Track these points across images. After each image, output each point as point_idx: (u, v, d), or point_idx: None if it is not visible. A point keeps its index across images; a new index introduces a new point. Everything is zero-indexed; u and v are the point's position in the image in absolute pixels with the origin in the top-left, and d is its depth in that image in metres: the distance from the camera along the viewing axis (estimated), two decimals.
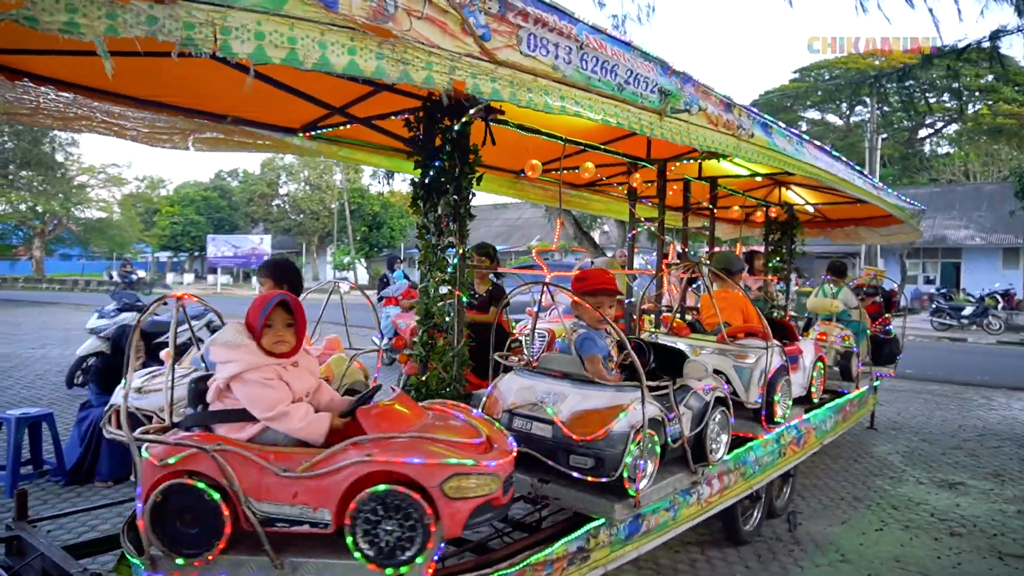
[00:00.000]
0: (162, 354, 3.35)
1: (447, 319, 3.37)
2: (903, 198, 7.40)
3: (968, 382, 11.23)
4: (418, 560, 2.17)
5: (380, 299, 11.17)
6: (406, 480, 2.20)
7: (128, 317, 8.20)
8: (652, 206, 6.28)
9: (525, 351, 4.37)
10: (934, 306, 21.53)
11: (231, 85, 3.42)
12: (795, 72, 38.54)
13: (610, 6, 23.88)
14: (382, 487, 2.18)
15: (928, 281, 30.05)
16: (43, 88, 3.30)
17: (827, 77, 36.17)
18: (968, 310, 20.67)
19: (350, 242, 38.20)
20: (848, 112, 39.34)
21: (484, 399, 3.33)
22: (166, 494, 2.14)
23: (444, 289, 3.36)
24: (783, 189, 6.96)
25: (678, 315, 5.29)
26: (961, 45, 8.59)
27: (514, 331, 5.69)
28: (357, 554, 2.20)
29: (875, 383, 7.06)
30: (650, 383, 3.01)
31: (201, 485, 2.13)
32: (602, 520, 2.93)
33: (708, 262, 5.22)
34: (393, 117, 3.68)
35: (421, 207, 3.43)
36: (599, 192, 6.98)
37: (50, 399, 7.95)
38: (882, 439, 7.25)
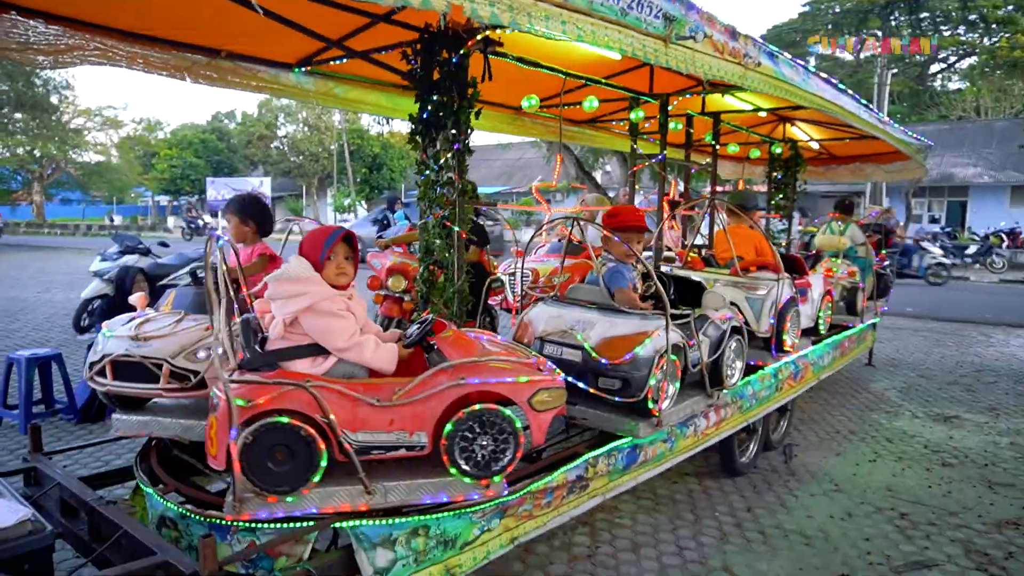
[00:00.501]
0: (133, 299, 3.27)
1: (447, 255, 3.38)
2: (910, 134, 7.28)
3: (968, 319, 11.30)
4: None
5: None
6: (498, 398, 2.46)
7: (130, 259, 8.24)
8: (654, 142, 6.20)
9: (507, 291, 4.39)
10: (938, 245, 21.44)
11: (223, 18, 3.35)
12: (804, 5, 37.30)
13: None
14: (478, 406, 2.42)
15: (933, 220, 29.82)
16: (32, 21, 3.22)
17: (837, 10, 35.05)
18: (971, 249, 20.59)
19: (350, 184, 37.87)
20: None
21: (515, 327, 3.56)
22: (258, 433, 2.16)
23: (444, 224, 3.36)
24: (787, 125, 6.86)
25: (692, 250, 5.48)
26: None
27: (495, 270, 5.71)
28: (453, 469, 2.43)
29: (875, 319, 7.11)
30: (672, 312, 3.24)
31: (285, 421, 2.18)
32: (599, 451, 3.00)
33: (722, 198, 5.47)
34: (390, 50, 3.61)
35: (420, 143, 3.40)
36: (600, 128, 6.88)
37: (58, 341, 8.06)
38: (880, 375, 7.35)
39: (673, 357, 3.22)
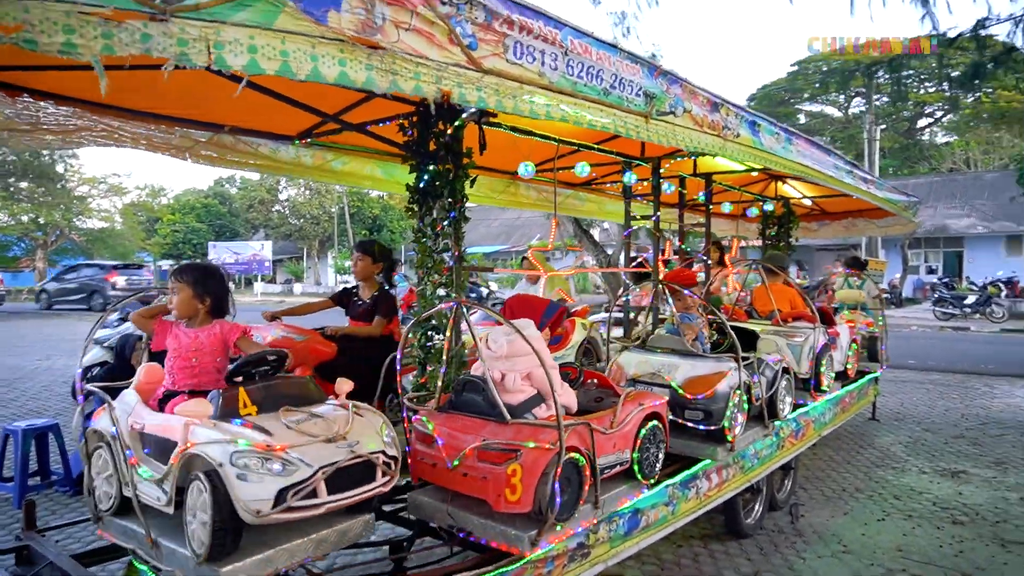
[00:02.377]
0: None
1: (444, 321, 3.41)
2: (896, 189, 7.43)
3: (971, 371, 11.25)
4: None
5: None
6: (656, 416, 3.23)
7: (130, 326, 8.26)
8: (647, 204, 6.31)
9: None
10: (936, 296, 21.49)
11: (227, 95, 3.46)
12: (793, 65, 38.46)
13: (607, 3, 23.95)
14: (651, 424, 3.19)
15: (930, 271, 29.99)
16: (42, 103, 3.34)
17: (825, 69, 36.12)
18: (971, 299, 20.63)
19: (351, 246, 38.27)
20: (846, 104, 39.29)
21: (609, 369, 4.12)
22: (550, 470, 2.55)
23: (441, 292, 3.40)
24: (779, 183, 6.99)
25: (736, 304, 6.26)
26: (952, 35, 8.60)
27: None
28: (640, 476, 3.13)
29: (876, 374, 7.10)
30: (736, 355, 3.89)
31: (576, 456, 2.67)
32: (603, 517, 2.97)
33: (753, 261, 6.35)
34: (387, 123, 3.72)
35: (417, 211, 3.47)
36: (594, 191, 7.01)
37: (56, 410, 8.01)
38: (884, 430, 7.28)
39: (744, 397, 3.91)
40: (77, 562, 2.60)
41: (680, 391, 3.77)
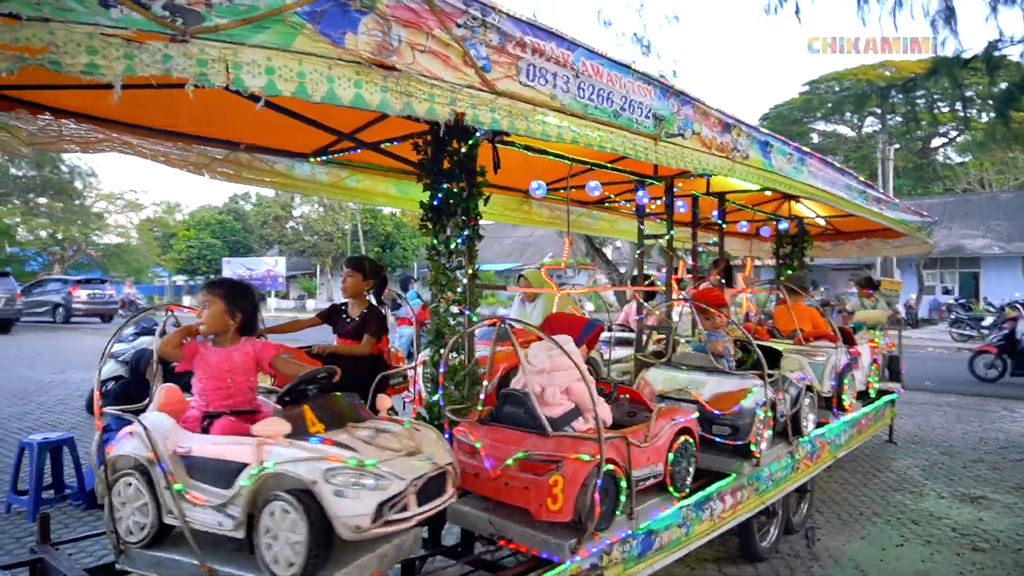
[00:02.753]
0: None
1: (461, 340, 3.41)
2: (911, 209, 7.39)
3: (989, 394, 11.08)
4: None
5: (395, 319, 11.24)
6: (687, 431, 3.36)
7: (146, 341, 8.31)
8: (660, 222, 6.31)
9: (420, 383, 4.19)
10: (953, 317, 21.26)
11: (243, 114, 3.52)
12: (805, 85, 38.49)
13: (617, 25, 24.15)
14: (682, 439, 3.30)
15: (946, 292, 29.71)
16: (63, 120, 3.40)
17: (837, 89, 36.13)
18: (988, 320, 20.37)
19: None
20: (859, 124, 39.22)
21: (637, 385, 4.20)
22: (590, 481, 2.63)
23: (455, 309, 3.40)
24: (792, 203, 6.97)
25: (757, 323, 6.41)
26: (966, 56, 8.56)
27: (401, 362, 5.02)
28: (672, 489, 3.26)
29: (893, 395, 7.01)
30: (761, 372, 4.00)
31: (610, 468, 2.75)
32: (616, 538, 2.93)
33: (778, 281, 6.63)
34: (401, 141, 3.76)
35: (431, 228, 3.49)
36: (607, 210, 7.02)
37: (70, 424, 8.05)
38: (901, 453, 7.17)
39: (769, 413, 3.99)
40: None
41: (706, 406, 3.87)
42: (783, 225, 7.17)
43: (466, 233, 3.36)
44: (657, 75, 3.23)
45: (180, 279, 47.21)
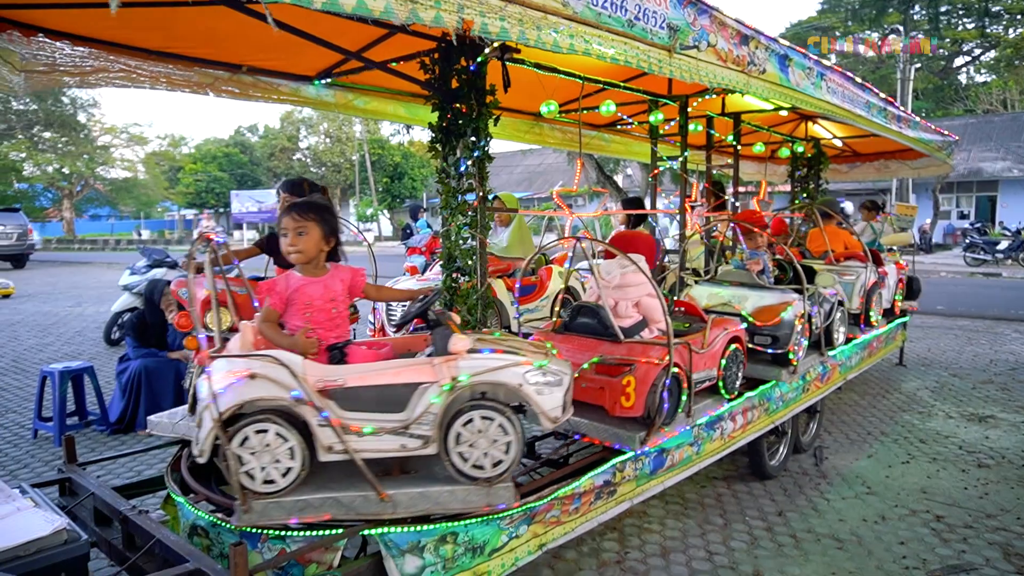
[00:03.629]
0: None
1: (470, 262, 3.39)
2: (933, 128, 7.16)
3: (1001, 317, 11.05)
4: None
5: (405, 248, 11.24)
6: (737, 339, 3.69)
7: (158, 272, 8.38)
8: (674, 144, 6.17)
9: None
10: (967, 241, 21.01)
11: (244, 33, 3.40)
12: (822, 2, 36.90)
13: None
14: (732, 347, 3.62)
15: (962, 216, 29.27)
16: (58, 43, 3.30)
17: (856, 7, 34.65)
18: (1003, 244, 20.14)
19: (372, 194, 38.23)
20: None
21: (686, 297, 4.43)
22: (659, 381, 2.96)
23: (466, 232, 3.36)
24: (809, 123, 6.78)
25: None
26: None
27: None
28: (723, 392, 3.57)
29: (905, 318, 6.99)
30: (798, 287, 4.34)
31: (675, 371, 3.07)
32: (627, 455, 2.98)
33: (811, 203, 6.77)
34: (408, 60, 3.63)
35: (440, 151, 3.42)
36: (620, 132, 6.86)
37: (90, 354, 8.22)
38: (911, 375, 7.22)
39: (806, 324, 4.30)
40: (117, 493, 2.68)
41: (750, 318, 4.15)
42: (799, 147, 7.00)
43: (476, 154, 3.28)
44: None
45: (189, 213, 47.22)
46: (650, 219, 6.42)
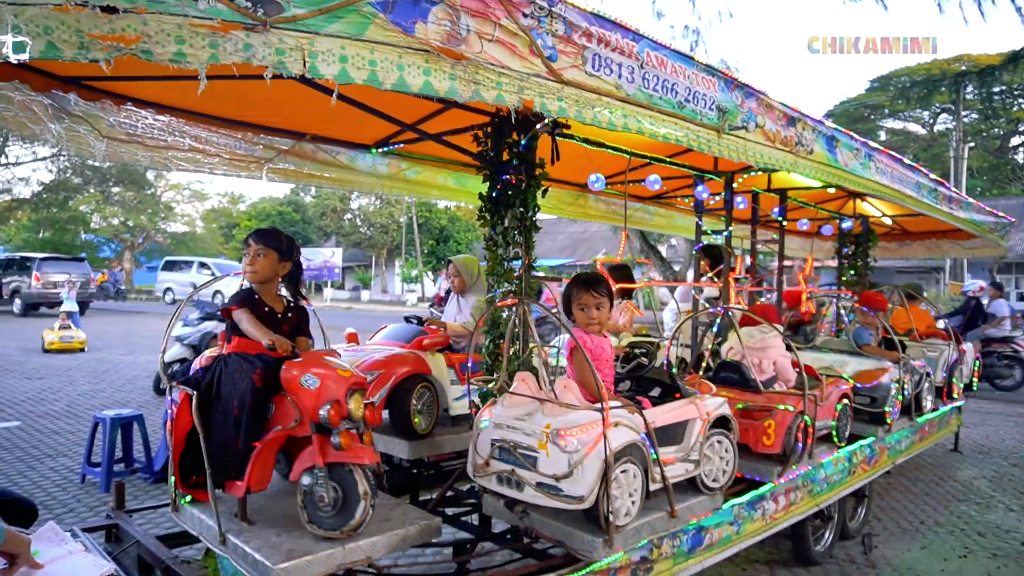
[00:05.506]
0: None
1: (516, 329, 3.44)
2: (986, 210, 7.06)
3: None
4: None
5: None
6: (847, 396, 4.29)
7: (210, 325, 8.65)
8: (719, 219, 6.21)
9: None
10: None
11: (311, 105, 3.63)
12: (873, 81, 37.03)
13: (670, 17, 23.74)
14: (844, 401, 4.24)
15: (1021, 298, 28.26)
16: (143, 112, 3.57)
17: (908, 84, 34.68)
18: None
19: (418, 255, 38.96)
20: (931, 120, 37.61)
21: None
22: (794, 425, 3.59)
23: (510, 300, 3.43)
24: (858, 201, 6.75)
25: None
26: None
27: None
28: (835, 439, 4.15)
29: (960, 403, 6.74)
30: (895, 355, 4.99)
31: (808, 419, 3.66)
32: (664, 532, 2.92)
33: (897, 287, 7.37)
34: (462, 133, 3.81)
35: (488, 219, 3.53)
36: (665, 205, 6.94)
37: (139, 402, 8.45)
38: (967, 463, 6.90)
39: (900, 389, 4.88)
40: (160, 542, 2.74)
41: (851, 380, 4.56)
42: (847, 224, 6.95)
43: (524, 224, 3.38)
44: (720, 67, 3.18)
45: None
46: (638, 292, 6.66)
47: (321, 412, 2.34)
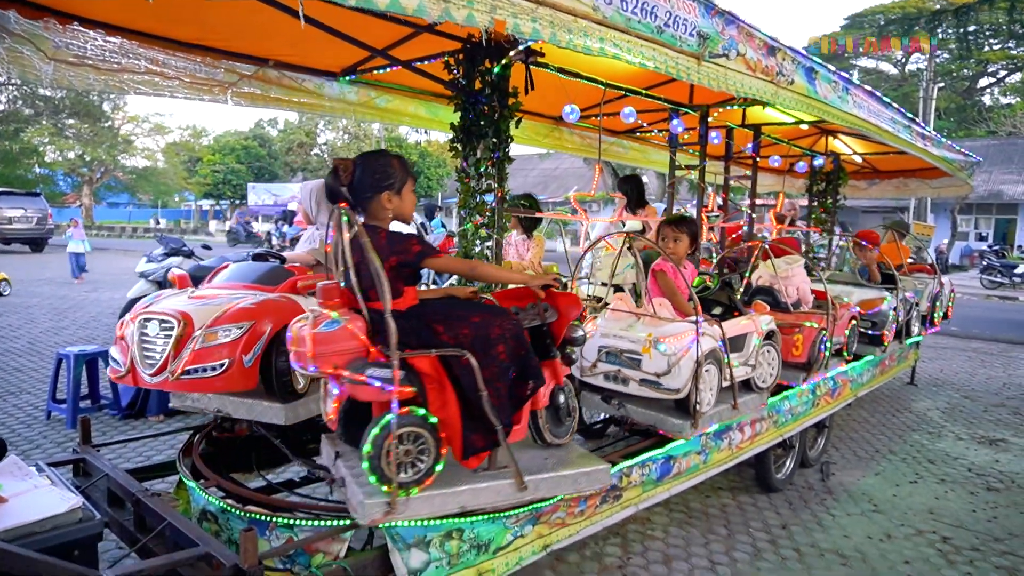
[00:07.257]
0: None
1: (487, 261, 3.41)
2: (957, 148, 7.12)
3: (1017, 341, 10.95)
4: None
5: None
6: (855, 318, 4.96)
7: (174, 261, 8.45)
8: (693, 154, 6.17)
9: None
10: (985, 263, 20.83)
11: (274, 28, 3.45)
12: (846, 18, 36.62)
13: None
14: (853, 322, 4.91)
15: (980, 238, 28.99)
16: (92, 32, 3.34)
17: (882, 23, 34.38)
18: (1021, 268, 19.94)
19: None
20: (903, 60, 37.51)
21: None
22: (818, 339, 4.25)
23: (483, 232, 3.39)
24: (830, 138, 6.75)
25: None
26: None
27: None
28: (845, 354, 4.88)
29: (918, 338, 6.95)
30: (890, 286, 5.77)
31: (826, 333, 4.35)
32: (634, 461, 2.99)
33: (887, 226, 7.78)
34: (433, 60, 3.67)
35: (460, 151, 3.44)
36: (639, 140, 6.86)
37: (104, 339, 8.30)
38: (922, 395, 7.17)
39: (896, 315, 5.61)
40: (130, 476, 2.72)
41: (857, 307, 5.13)
42: (818, 161, 6.97)
43: (497, 155, 3.30)
44: None
45: (206, 203, 47.55)
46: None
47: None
